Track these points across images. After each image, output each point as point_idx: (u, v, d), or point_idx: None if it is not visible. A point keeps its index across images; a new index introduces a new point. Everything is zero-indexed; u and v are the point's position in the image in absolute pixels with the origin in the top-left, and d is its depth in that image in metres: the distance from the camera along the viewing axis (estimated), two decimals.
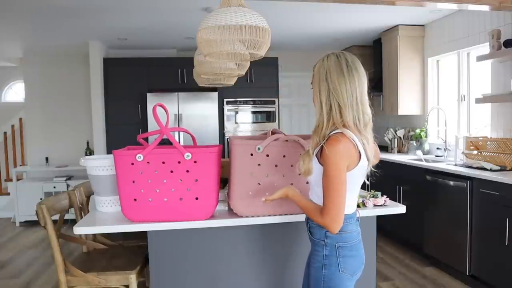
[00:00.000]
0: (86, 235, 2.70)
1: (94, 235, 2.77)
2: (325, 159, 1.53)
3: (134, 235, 2.64)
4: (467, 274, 3.42)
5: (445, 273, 3.73)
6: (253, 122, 5.88)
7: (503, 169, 3.39)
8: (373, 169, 1.72)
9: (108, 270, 2.34)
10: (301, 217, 2.08)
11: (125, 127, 5.60)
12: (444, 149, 4.52)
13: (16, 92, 8.00)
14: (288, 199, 1.79)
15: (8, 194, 6.37)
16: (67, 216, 2.68)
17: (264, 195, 2.01)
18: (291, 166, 2.01)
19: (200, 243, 2.15)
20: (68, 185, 5.77)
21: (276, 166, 2.00)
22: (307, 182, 2.04)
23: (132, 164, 1.95)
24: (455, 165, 3.82)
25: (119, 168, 1.97)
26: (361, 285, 1.84)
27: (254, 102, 5.85)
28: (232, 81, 3.38)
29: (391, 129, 5.40)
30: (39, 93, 6.31)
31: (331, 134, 1.56)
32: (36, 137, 6.36)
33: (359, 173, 1.62)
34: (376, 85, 5.53)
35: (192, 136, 2.32)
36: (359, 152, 1.57)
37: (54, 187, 5.84)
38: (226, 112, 5.81)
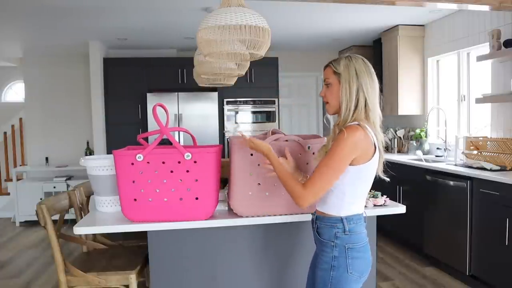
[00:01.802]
0: (86, 235, 2.70)
1: (94, 235, 2.77)
2: (337, 140, 1.56)
3: (134, 235, 2.64)
4: (467, 274, 3.42)
5: (445, 273, 3.73)
6: (253, 122, 5.88)
7: (503, 169, 3.39)
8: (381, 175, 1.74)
9: (108, 270, 2.34)
10: (301, 217, 2.08)
11: (125, 127, 5.60)
12: (444, 149, 4.52)
13: (16, 92, 8.00)
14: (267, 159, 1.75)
15: (8, 194, 6.37)
16: (67, 216, 2.68)
17: (264, 195, 2.00)
18: None
19: (200, 243, 2.15)
20: (68, 185, 5.76)
21: None
22: None
23: (132, 164, 1.95)
24: (455, 165, 3.82)
25: (119, 168, 1.97)
26: None
27: (254, 102, 5.85)
28: (232, 81, 3.38)
29: (391, 129, 5.40)
30: (39, 93, 6.31)
31: (348, 125, 1.60)
32: (36, 137, 6.36)
33: (373, 168, 1.64)
34: None
35: (192, 136, 2.32)
36: (374, 146, 1.61)
37: (54, 187, 5.83)
38: (226, 112, 5.81)
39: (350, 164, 1.57)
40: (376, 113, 1.64)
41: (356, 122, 1.60)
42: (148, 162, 1.95)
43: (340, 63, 1.65)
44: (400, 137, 5.32)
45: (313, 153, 1.97)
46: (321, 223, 1.68)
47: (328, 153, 1.58)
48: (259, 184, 2.00)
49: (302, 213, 2.07)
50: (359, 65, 1.64)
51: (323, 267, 1.65)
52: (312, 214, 1.79)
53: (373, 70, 1.67)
